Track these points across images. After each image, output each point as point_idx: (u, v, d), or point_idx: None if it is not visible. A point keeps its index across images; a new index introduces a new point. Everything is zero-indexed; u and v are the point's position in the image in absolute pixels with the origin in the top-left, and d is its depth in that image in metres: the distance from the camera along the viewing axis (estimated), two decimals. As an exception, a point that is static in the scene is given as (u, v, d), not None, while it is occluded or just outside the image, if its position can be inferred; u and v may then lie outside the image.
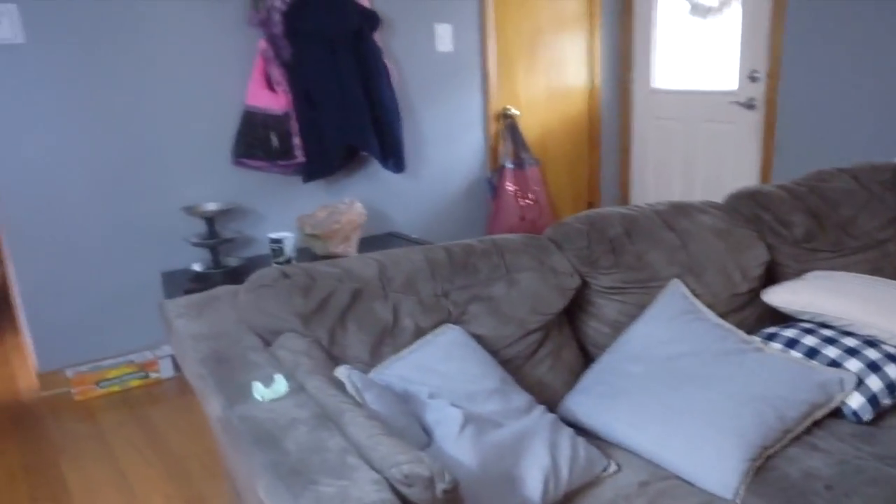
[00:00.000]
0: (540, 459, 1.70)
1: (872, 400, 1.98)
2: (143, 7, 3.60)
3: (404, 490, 1.31)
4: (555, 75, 5.00)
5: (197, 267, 3.77)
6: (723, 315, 2.31)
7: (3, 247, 3.79)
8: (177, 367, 3.84)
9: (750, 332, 2.36)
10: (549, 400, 2.13)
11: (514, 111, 4.82)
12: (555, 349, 2.18)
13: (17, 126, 3.43)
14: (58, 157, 3.54)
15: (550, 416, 1.89)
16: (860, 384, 2.00)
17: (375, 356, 1.98)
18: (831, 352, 2.10)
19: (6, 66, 3.36)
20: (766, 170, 4.46)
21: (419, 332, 2.03)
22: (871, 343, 2.12)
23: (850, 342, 2.12)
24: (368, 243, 4.21)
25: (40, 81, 3.44)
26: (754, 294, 2.40)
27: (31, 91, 3.43)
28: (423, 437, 1.69)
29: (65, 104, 3.51)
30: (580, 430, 2.04)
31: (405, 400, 1.80)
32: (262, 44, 3.82)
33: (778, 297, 2.33)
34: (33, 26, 3.38)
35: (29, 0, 3.35)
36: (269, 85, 3.86)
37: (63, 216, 3.60)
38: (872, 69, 3.87)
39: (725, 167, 4.72)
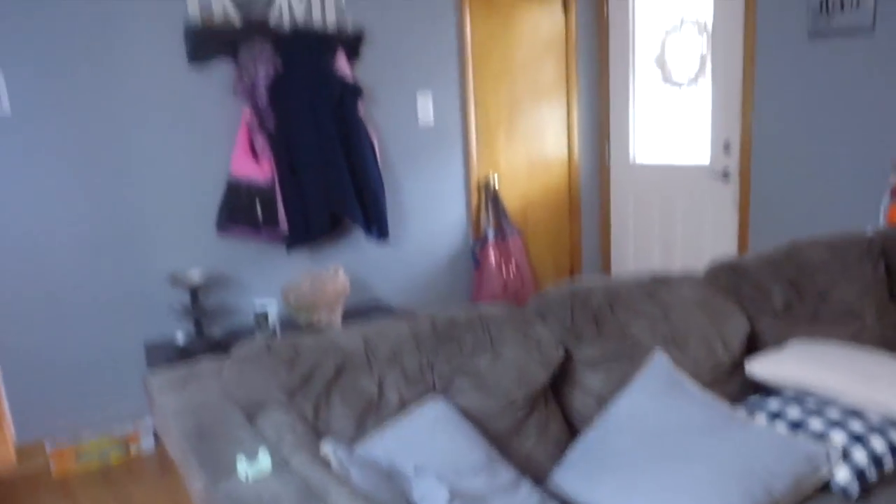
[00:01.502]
0: (527, 536, 1.69)
1: (860, 475, 1.98)
2: (129, 77, 3.65)
3: (391, 571, 1.30)
4: (534, 146, 5.07)
5: (180, 338, 3.75)
6: (706, 386, 2.32)
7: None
8: (158, 440, 3.78)
9: (733, 401, 2.36)
10: (536, 474, 2.12)
11: (495, 181, 4.88)
12: (541, 422, 2.17)
13: (1, 196, 3.44)
14: (43, 226, 3.54)
15: (538, 494, 1.88)
16: (846, 457, 2.00)
17: (360, 429, 1.96)
18: (816, 424, 2.10)
19: (-8, 137, 3.40)
20: (742, 237, 4.53)
21: (404, 405, 2.02)
22: (856, 414, 2.13)
23: (834, 414, 2.13)
24: (353, 313, 4.20)
25: (26, 153, 3.46)
26: (737, 364, 2.41)
27: (17, 162, 3.45)
28: (409, 514, 1.68)
29: (51, 174, 3.53)
30: (567, 504, 2.02)
31: (390, 476, 1.79)
32: (247, 114, 3.87)
33: (762, 368, 2.34)
34: (19, 97, 3.42)
35: (15, 71, 3.40)
36: (254, 154, 3.90)
37: (47, 284, 3.59)
38: (842, 137, 3.96)
39: (704, 235, 4.79)
